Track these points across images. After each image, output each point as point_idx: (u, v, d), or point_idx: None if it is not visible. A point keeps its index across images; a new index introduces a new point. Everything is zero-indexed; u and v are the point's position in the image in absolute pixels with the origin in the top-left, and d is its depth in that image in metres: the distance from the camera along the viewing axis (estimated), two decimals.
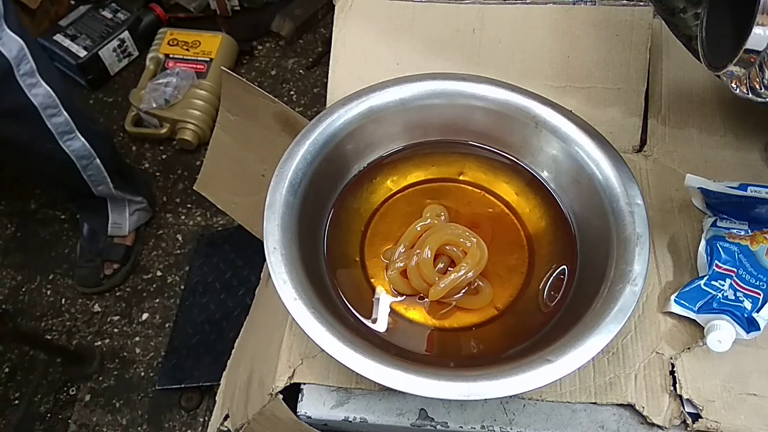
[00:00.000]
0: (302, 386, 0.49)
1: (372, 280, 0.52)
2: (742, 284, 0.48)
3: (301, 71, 1.61)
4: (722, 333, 0.46)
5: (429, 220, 0.53)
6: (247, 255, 1.25)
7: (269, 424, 0.51)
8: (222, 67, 0.66)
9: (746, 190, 0.49)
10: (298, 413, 0.48)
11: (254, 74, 1.60)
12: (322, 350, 0.42)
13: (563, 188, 0.55)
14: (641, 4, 0.64)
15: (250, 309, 0.75)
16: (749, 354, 0.48)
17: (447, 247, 0.51)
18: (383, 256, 0.53)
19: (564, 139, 0.54)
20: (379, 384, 0.41)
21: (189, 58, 1.49)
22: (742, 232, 0.51)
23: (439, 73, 0.57)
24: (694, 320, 0.49)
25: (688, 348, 0.48)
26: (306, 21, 1.66)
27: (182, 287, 1.28)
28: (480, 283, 0.51)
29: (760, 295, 0.48)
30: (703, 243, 0.52)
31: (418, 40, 0.65)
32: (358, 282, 0.52)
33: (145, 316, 1.27)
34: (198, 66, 1.48)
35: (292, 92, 1.57)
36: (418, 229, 0.52)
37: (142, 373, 1.21)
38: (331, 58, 0.66)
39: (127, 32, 1.56)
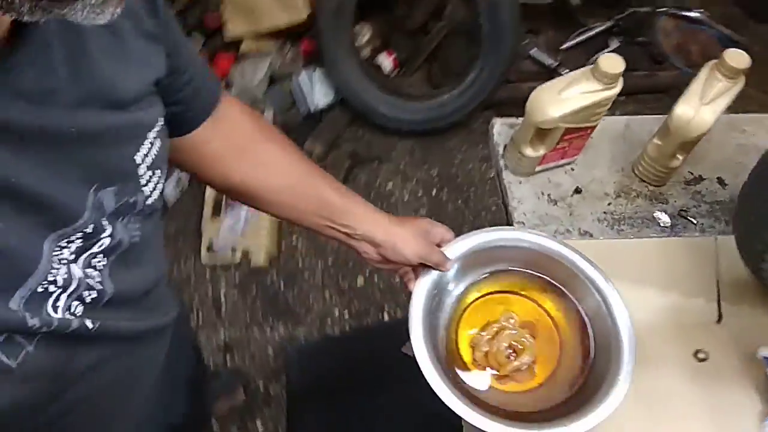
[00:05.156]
0: None
1: (462, 355, 0.85)
2: None
3: None
4: None
5: (503, 322, 0.86)
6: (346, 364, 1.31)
7: None
8: None
9: None
10: None
11: None
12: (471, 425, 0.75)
13: (589, 314, 0.87)
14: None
15: None
16: None
17: (513, 342, 0.84)
18: (470, 341, 0.86)
19: (593, 285, 0.87)
20: None
21: None
22: None
23: (510, 227, 0.91)
24: None
25: None
26: (333, 141, 2.01)
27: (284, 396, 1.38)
28: (530, 365, 0.84)
29: None
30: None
31: None
32: (456, 360, 0.85)
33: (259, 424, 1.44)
34: None
35: None
36: (495, 328, 0.86)
37: None
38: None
39: None
